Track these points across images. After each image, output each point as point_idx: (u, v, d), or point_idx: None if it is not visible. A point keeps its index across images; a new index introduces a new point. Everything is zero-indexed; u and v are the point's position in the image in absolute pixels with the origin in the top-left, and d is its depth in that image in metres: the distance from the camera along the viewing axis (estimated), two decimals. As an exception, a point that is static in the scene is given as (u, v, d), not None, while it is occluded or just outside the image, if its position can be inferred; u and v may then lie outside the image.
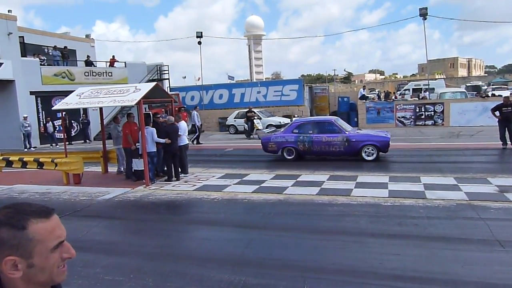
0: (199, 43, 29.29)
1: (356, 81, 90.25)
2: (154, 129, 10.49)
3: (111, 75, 25.88)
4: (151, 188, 10.02)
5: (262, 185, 9.66)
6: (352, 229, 6.49)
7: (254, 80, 36.02)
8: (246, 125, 20.87)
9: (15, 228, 1.15)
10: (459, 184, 8.79)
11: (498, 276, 4.63)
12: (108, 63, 27.17)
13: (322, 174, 10.51)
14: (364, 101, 23.97)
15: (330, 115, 26.75)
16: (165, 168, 11.12)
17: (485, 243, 5.63)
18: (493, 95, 24.06)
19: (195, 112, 20.20)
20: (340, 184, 9.34)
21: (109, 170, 12.72)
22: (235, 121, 24.04)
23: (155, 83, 11.47)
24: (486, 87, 37.14)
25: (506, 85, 42.07)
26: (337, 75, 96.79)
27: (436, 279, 4.66)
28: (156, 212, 8.29)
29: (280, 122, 22.74)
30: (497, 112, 13.78)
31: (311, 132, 12.74)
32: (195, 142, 19.22)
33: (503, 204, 7.28)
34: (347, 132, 12.58)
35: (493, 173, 9.82)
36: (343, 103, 24.99)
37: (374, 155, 12.22)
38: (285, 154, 13.05)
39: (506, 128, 13.47)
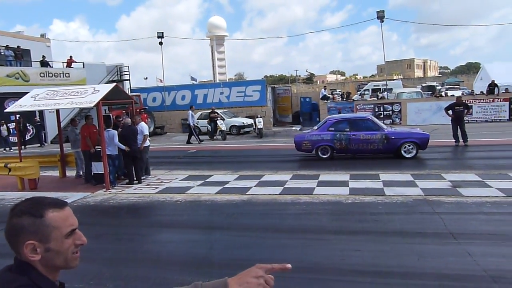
0: (160, 43, 28.89)
1: (318, 81, 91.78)
2: (115, 131, 10.26)
3: (69, 76, 25.06)
4: (112, 192, 9.79)
5: (225, 186, 9.66)
6: (314, 227, 6.61)
7: (217, 81, 35.87)
8: (209, 126, 20.77)
9: (34, 216, 1.32)
10: (415, 181, 9.14)
11: (450, 267, 4.85)
12: (65, 64, 26.29)
13: (285, 174, 10.63)
14: (326, 101, 24.42)
15: (292, 115, 27.13)
16: (126, 171, 10.90)
17: (439, 236, 5.88)
18: (446, 95, 25.15)
19: (191, 111, 20.07)
20: (302, 183, 9.48)
21: (67, 175, 12.31)
22: (198, 122, 23.88)
23: (114, 84, 11.22)
24: (440, 87, 38.70)
25: (459, 85, 43.98)
26: (300, 75, 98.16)
27: (394, 272, 4.82)
28: (117, 216, 8.12)
29: (243, 123, 22.81)
30: (450, 111, 14.41)
31: (348, 130, 12.46)
32: (196, 141, 19.84)
33: (456, 199, 7.63)
34: (386, 130, 12.54)
35: (447, 169, 10.27)
36: (305, 103, 25.37)
37: (414, 152, 12.14)
38: (319, 153, 12.72)
39: (458, 127, 14.11)
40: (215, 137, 20.50)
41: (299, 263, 5.18)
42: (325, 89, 26.98)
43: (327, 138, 12.54)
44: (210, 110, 21.50)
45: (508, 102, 21.68)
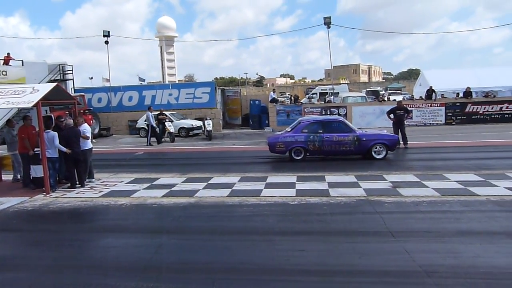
0: (106, 42, 27.97)
1: (268, 84, 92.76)
2: (56, 133, 9.80)
3: (6, 74, 23.61)
4: (52, 196, 9.34)
5: (173, 188, 9.52)
6: (261, 228, 6.67)
7: (167, 82, 35.24)
8: (157, 128, 20.37)
9: None
10: (359, 182, 9.48)
11: (390, 264, 5.09)
12: (2, 61, 24.75)
13: (234, 176, 10.65)
14: (275, 104, 24.75)
15: (242, 117, 27.25)
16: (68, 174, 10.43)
17: (379, 234, 6.15)
18: (389, 99, 26.34)
19: (150, 113, 19.52)
20: (250, 185, 9.55)
21: (3, 178, 11.60)
22: (145, 124, 23.36)
23: (55, 83, 10.71)
24: (383, 92, 40.49)
25: (401, 90, 46.26)
26: (250, 78, 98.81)
27: (337, 271, 4.98)
28: (57, 222, 7.75)
29: (192, 125, 22.60)
30: (392, 115, 15.12)
31: (321, 131, 12.64)
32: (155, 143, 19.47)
33: (395, 198, 8.01)
34: (357, 131, 12.81)
35: (388, 170, 10.75)
36: (254, 106, 25.56)
37: (384, 154, 12.57)
38: (293, 154, 12.79)
39: (399, 130, 14.83)
40: (163, 139, 20.12)
41: (244, 265, 5.22)
42: (274, 92, 27.34)
43: (300, 140, 12.67)
44: (158, 112, 21.10)
45: (444, 107, 23.06)
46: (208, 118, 21.46)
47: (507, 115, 22.61)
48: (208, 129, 20.38)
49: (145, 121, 20.46)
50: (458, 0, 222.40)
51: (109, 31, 27.86)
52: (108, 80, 29.90)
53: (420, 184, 9.11)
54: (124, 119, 25.83)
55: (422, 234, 6.10)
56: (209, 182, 10.08)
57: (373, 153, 12.58)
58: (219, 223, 7.06)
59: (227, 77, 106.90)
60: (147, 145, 19.16)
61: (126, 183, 10.39)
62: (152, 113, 19.78)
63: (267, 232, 6.49)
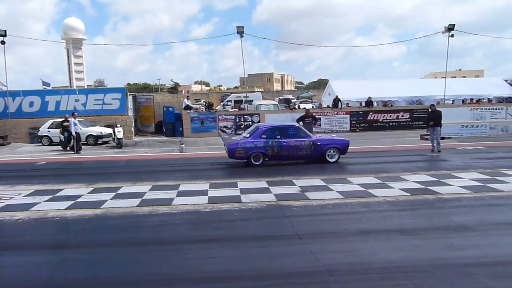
0: (3, 42, 25.54)
1: (183, 91, 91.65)
2: None
3: None
4: None
5: (77, 200, 8.96)
6: (172, 237, 6.56)
7: (74, 87, 33.12)
8: (62, 136, 19.06)
9: None
10: (270, 187, 9.76)
11: (296, 265, 5.30)
12: None
13: (144, 185, 10.34)
14: (189, 111, 24.54)
15: (155, 125, 26.58)
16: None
17: (287, 237, 6.38)
18: (299, 107, 27.52)
19: (73, 119, 18.06)
20: (161, 194, 9.34)
21: None
22: (49, 131, 21.74)
23: None
24: (295, 100, 42.18)
25: (311, 99, 48.59)
26: (164, 85, 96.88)
27: (247, 276, 5.06)
28: None
29: (101, 133, 21.52)
30: (301, 122, 15.81)
31: (279, 137, 12.86)
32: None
33: (303, 202, 8.38)
34: (312, 137, 13.26)
35: (297, 175, 11.20)
36: (168, 113, 25.08)
37: (337, 157, 13.23)
38: (252, 160, 12.79)
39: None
40: (68, 148, 18.86)
41: (153, 276, 5.09)
42: (188, 99, 27.10)
43: (260, 145, 12.82)
44: (63, 119, 19.74)
45: (349, 115, 24.67)
46: (119, 125, 20.57)
47: (403, 123, 24.84)
48: (118, 136, 19.52)
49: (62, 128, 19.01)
50: (362, 16, 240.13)
51: (5, 30, 25.45)
52: (5, 84, 27.27)
53: (326, 187, 9.63)
54: (24, 127, 23.75)
55: (326, 235, 6.46)
56: (118, 192, 9.66)
57: (327, 157, 13.23)
58: (127, 234, 6.80)
59: (141, 83, 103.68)
60: (75, 152, 17.90)
61: (25, 196, 9.56)
62: (76, 119, 18.53)
63: (178, 241, 6.39)
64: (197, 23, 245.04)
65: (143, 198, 8.99)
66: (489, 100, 28.65)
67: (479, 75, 70.32)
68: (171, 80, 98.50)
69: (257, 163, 12.91)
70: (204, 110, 27.70)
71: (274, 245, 6.12)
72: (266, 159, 13.04)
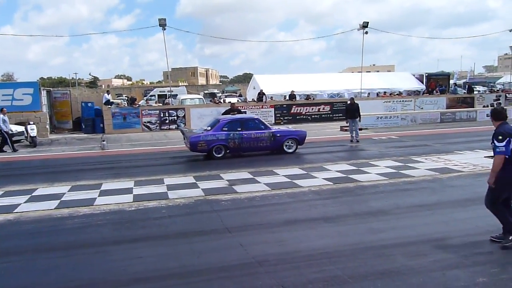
0: None
1: (103, 86, 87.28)
2: None
3: None
4: None
5: (-15, 205, 8.17)
6: (95, 239, 6.23)
7: (-24, 82, 30.02)
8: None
9: None
10: (197, 182, 9.66)
11: (226, 259, 5.30)
12: None
13: (63, 186, 9.70)
14: (110, 106, 23.43)
15: (73, 121, 25.03)
16: None
17: (217, 232, 6.37)
18: (225, 101, 27.52)
19: (2, 115, 16.13)
20: (82, 194, 8.82)
21: None
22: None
23: None
24: (220, 94, 42.10)
25: (236, 93, 48.80)
26: (82, 79, 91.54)
27: (175, 274, 4.97)
28: None
29: (12, 131, 19.77)
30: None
31: (240, 129, 12.99)
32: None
33: (231, 196, 8.41)
34: (272, 128, 13.66)
35: (225, 169, 11.19)
36: (87, 108, 23.71)
37: (294, 148, 13.70)
38: (214, 152, 12.81)
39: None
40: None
41: (74, 282, 4.81)
42: (108, 94, 25.83)
43: (221, 138, 12.89)
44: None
45: (273, 109, 25.15)
46: (32, 122, 19.03)
47: (324, 115, 25.87)
48: (31, 134, 18.07)
49: None
50: (284, 12, 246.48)
51: None
52: None
53: (253, 180, 9.75)
54: None
55: (255, 227, 6.54)
56: (33, 194, 8.96)
57: (284, 147, 13.59)
58: (44, 239, 6.33)
59: (56, 77, 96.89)
60: (12, 151, 16.16)
61: None
62: (5, 115, 16.66)
63: (101, 243, 6.09)
64: (118, 15, 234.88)
65: (62, 199, 8.43)
66: (400, 93, 30.80)
67: (391, 70, 75.27)
68: (90, 74, 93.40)
69: (219, 155, 12.97)
70: (126, 105, 26.60)
71: (203, 240, 6.07)
72: (228, 151, 13.12)
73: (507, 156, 5.23)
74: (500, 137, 5.25)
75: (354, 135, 16.40)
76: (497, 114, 5.54)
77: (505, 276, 4.64)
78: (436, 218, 6.80)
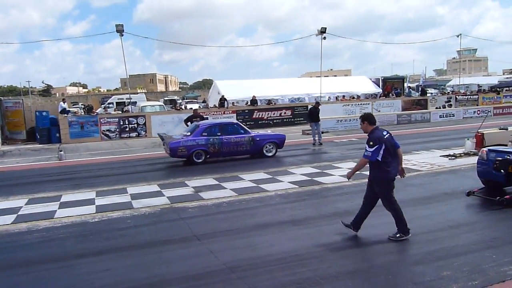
0: None
1: (58, 94, 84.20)
2: None
3: None
4: None
5: None
6: (57, 254, 5.96)
7: None
8: None
9: None
10: (162, 190, 9.48)
11: (196, 267, 5.22)
12: None
13: (19, 199, 9.23)
14: (66, 115, 22.61)
15: (27, 131, 23.95)
16: None
17: (185, 240, 6.27)
18: (186, 107, 27.27)
19: None
20: (41, 207, 8.43)
21: None
22: None
23: None
24: (180, 100, 41.68)
25: (197, 99, 48.51)
26: (35, 87, 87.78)
27: (144, 285, 4.84)
28: None
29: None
30: (189, 122, 15.65)
31: (219, 134, 12.98)
32: None
33: (198, 203, 8.32)
34: (251, 132, 13.73)
35: (189, 176, 11.06)
36: (41, 117, 22.73)
37: (274, 151, 13.77)
38: (194, 158, 12.77)
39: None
40: None
41: (38, 299, 4.57)
42: (64, 102, 24.93)
43: (201, 143, 12.88)
44: None
45: (235, 114, 25.16)
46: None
47: (286, 120, 26.15)
48: (-19, 147, 17.15)
49: None
50: (243, 18, 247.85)
51: None
52: None
53: (219, 186, 9.69)
54: None
55: (224, 233, 6.49)
56: (-15, 209, 8.48)
57: (264, 151, 13.65)
58: (2, 256, 5.99)
59: (6, 86, 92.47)
60: None
61: None
62: None
63: (64, 257, 5.83)
64: (72, 21, 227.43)
65: (19, 213, 8.02)
66: (358, 97, 31.69)
67: (348, 74, 77.44)
68: (43, 82, 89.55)
69: (199, 160, 12.95)
70: (83, 113, 25.77)
71: (172, 249, 5.96)
72: (208, 156, 13.07)
73: (373, 160, 5.69)
74: (371, 143, 5.70)
75: (316, 138, 16.69)
76: (371, 119, 5.94)
77: (467, 269, 4.84)
78: (399, 216, 7.01)
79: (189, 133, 13.31)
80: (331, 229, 6.46)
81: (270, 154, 13.82)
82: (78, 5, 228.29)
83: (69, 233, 6.81)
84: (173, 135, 14.73)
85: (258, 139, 13.71)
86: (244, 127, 14.21)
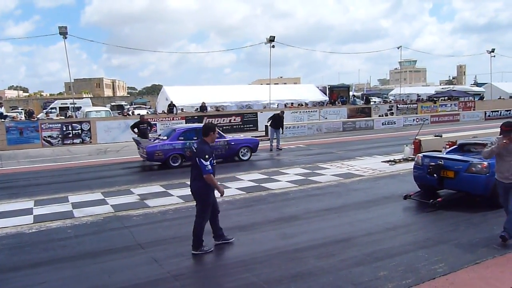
0: None
1: (-6, 98, 79.20)
2: None
3: None
4: None
5: None
6: (-12, 268, 5.61)
7: None
8: None
9: None
10: (106, 198, 9.19)
11: (139, 276, 5.12)
12: None
13: None
14: (3, 120, 21.37)
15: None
16: None
17: (128, 249, 6.12)
18: (133, 113, 26.66)
19: None
20: (-28, 218, 7.91)
21: None
22: None
23: None
24: (129, 106, 40.70)
25: (145, 104, 47.58)
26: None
27: (84, 296, 4.67)
28: None
29: None
30: (136, 129, 15.34)
31: (196, 138, 12.23)
32: None
33: (143, 211, 8.14)
34: (227, 137, 14.06)
35: (135, 183, 10.82)
36: (-25, 123, 21.36)
37: (248, 155, 14.14)
38: (170, 161, 12.86)
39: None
40: None
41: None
42: (1, 106, 23.62)
43: (178, 147, 12.94)
44: None
45: (184, 120, 24.93)
46: None
47: (235, 126, 26.25)
48: None
49: None
50: (195, 24, 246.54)
51: None
52: None
53: (166, 193, 9.55)
54: None
55: (169, 241, 6.41)
56: None
57: (240, 155, 13.99)
58: None
59: None
60: None
61: None
62: None
63: (-3, 270, 5.50)
64: (14, 21, 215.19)
65: None
66: (306, 104, 32.47)
67: (297, 82, 79.19)
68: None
69: (175, 164, 12.98)
70: (23, 118, 24.47)
71: (114, 258, 5.79)
72: (184, 160, 12.99)
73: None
74: (207, 156, 5.74)
75: (275, 143, 17.01)
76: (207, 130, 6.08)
77: (401, 268, 5.11)
78: (342, 220, 7.27)
79: (165, 137, 13.36)
80: (276, 233, 6.57)
81: (245, 158, 14.17)
82: (21, 5, 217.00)
83: (2, 246, 6.42)
84: (149, 139, 14.54)
85: (233, 143, 14.02)
86: (219, 131, 14.16)
